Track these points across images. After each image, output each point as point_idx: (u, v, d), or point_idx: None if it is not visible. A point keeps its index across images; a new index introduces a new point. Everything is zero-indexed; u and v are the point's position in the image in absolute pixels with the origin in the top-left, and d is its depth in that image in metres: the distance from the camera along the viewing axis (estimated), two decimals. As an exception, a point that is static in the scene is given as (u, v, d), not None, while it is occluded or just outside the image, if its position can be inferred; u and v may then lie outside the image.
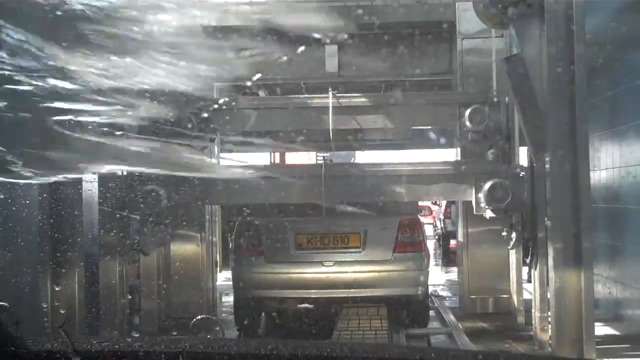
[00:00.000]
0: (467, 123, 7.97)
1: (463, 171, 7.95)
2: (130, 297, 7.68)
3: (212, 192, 8.08)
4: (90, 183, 6.85)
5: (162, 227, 7.70)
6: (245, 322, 8.91)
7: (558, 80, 6.30)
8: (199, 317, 8.08)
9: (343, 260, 8.51)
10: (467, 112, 7.97)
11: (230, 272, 9.13)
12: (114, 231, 7.17)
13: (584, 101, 6.32)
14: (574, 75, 6.26)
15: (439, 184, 7.95)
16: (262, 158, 19.86)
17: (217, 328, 7.76)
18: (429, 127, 11.66)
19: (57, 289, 5.88)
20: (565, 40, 6.30)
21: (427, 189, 8.06)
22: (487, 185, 7.51)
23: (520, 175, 7.60)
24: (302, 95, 10.37)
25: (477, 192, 7.66)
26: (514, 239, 7.74)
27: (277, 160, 19.04)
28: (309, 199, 7.96)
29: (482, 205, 7.59)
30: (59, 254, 5.85)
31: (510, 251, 8.79)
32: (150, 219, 7.45)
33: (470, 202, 7.86)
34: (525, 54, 6.68)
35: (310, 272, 8.53)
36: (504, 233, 7.88)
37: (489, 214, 7.60)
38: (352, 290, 8.53)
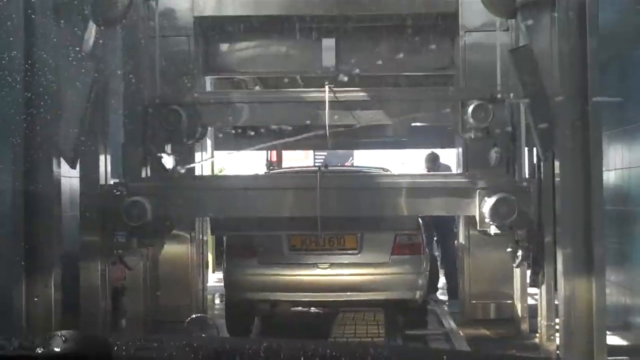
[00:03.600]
0: (470, 120, 7.64)
1: (466, 184, 7.51)
2: (114, 299, 7.29)
3: (200, 205, 7.73)
4: (69, 179, 6.51)
5: (147, 241, 7.30)
6: (237, 326, 8.67)
7: (569, 75, 5.93)
8: (194, 316, 7.81)
9: (339, 262, 8.32)
10: (470, 108, 7.62)
11: (222, 273, 8.92)
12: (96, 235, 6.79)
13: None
14: (586, 69, 5.91)
15: (440, 198, 7.55)
16: (257, 156, 19.58)
17: (212, 327, 7.51)
18: (430, 125, 11.29)
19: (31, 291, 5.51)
20: (578, 32, 5.94)
21: (427, 202, 7.64)
22: (492, 200, 7.06)
23: (527, 189, 7.19)
24: (296, 89, 10.00)
25: (480, 207, 7.22)
26: (519, 257, 7.37)
27: (274, 159, 18.70)
28: (302, 212, 7.58)
29: (487, 221, 7.16)
30: (34, 253, 5.47)
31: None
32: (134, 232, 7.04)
33: (473, 217, 7.45)
34: (534, 45, 6.31)
35: (304, 275, 8.33)
36: (509, 249, 7.49)
37: (493, 230, 7.18)
38: (347, 293, 8.35)
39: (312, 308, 9.18)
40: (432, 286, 10.57)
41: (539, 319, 7.53)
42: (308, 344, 1.63)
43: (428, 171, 11.99)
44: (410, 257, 8.46)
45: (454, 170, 10.46)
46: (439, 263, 11.94)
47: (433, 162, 12.28)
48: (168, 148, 7.89)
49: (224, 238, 9.40)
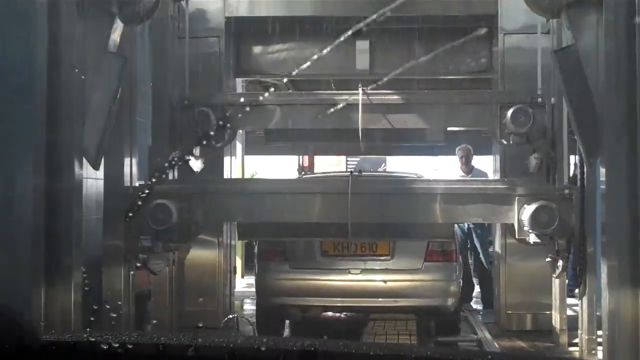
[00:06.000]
0: (509, 125, 7.39)
1: (504, 191, 7.24)
2: (139, 304, 7.12)
3: (228, 209, 7.61)
4: (95, 181, 6.34)
5: (172, 245, 7.18)
6: (268, 330, 8.53)
7: (616, 77, 5.61)
8: (230, 316, 7.81)
9: (371, 268, 8.16)
10: (509, 112, 7.37)
11: (254, 278, 8.82)
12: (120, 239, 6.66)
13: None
14: (634, 71, 5.59)
15: (477, 205, 7.30)
16: (289, 160, 19.42)
17: (248, 326, 7.47)
18: (466, 130, 10.95)
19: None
20: (626, 32, 5.62)
21: (463, 209, 7.40)
22: (532, 207, 6.80)
23: (569, 197, 6.91)
24: (329, 92, 9.77)
25: (520, 214, 6.95)
26: (560, 267, 7.11)
27: (306, 164, 18.48)
28: (333, 218, 7.44)
29: (526, 229, 6.90)
30: (54, 257, 5.27)
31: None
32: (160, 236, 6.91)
33: (512, 225, 7.18)
34: (579, 45, 6.01)
35: (336, 280, 8.18)
36: (549, 259, 7.23)
37: (532, 239, 6.93)
38: (379, 299, 8.20)
39: (342, 314, 9.00)
40: (467, 295, 10.28)
41: (579, 331, 7.24)
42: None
43: (462, 164, 11.16)
44: (443, 264, 8.25)
45: (491, 177, 10.13)
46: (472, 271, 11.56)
47: (467, 156, 11.30)
48: (196, 150, 7.72)
49: (255, 242, 9.26)
